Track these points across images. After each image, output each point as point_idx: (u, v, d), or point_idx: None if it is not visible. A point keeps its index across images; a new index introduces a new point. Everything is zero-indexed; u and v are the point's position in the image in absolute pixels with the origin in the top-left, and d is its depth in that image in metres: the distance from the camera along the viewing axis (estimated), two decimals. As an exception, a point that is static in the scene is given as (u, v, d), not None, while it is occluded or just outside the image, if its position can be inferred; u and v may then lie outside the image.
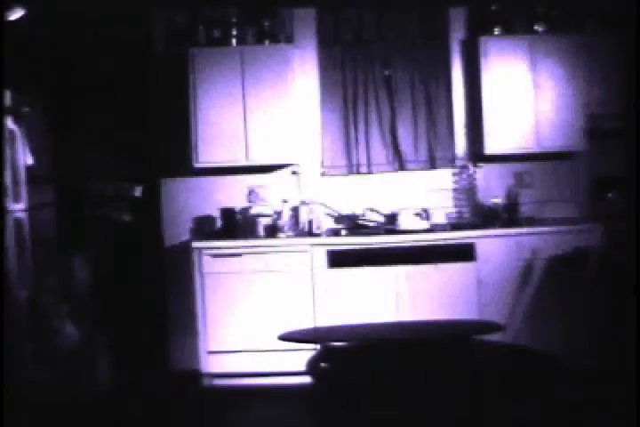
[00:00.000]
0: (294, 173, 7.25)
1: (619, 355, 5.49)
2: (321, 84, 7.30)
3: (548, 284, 6.67)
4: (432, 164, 7.33)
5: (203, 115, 6.86)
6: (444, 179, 7.33)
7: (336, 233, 6.96)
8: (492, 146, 7.03)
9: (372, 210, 7.11)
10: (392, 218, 7.00)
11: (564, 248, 6.65)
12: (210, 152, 6.85)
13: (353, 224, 7.00)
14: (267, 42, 7.01)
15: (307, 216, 6.99)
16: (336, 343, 6.07)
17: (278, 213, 6.97)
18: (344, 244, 6.67)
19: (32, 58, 6.56)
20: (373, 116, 7.27)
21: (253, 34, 7.01)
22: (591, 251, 6.44)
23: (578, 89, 7.02)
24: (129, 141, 7.13)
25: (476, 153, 7.23)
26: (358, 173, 7.31)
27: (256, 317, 6.53)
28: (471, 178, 7.25)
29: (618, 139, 7.01)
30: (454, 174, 7.30)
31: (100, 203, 5.89)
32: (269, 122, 6.88)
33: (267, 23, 7.04)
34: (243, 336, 6.53)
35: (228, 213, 6.94)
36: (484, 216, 7.12)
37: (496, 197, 7.16)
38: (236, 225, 6.93)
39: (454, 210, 7.25)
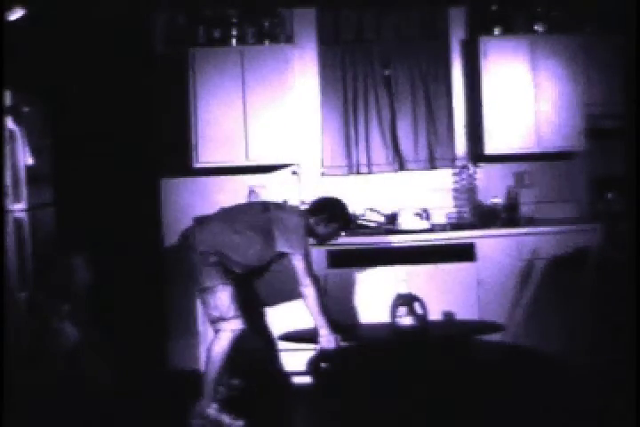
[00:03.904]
0: (294, 172, 7.25)
1: (619, 355, 5.49)
2: (321, 84, 7.30)
3: (547, 284, 6.68)
4: (432, 164, 7.33)
5: (202, 115, 6.86)
6: (444, 179, 7.34)
7: (336, 233, 6.95)
8: (492, 146, 7.04)
9: (372, 210, 7.11)
10: (392, 218, 7.02)
11: (564, 248, 6.66)
12: (210, 152, 6.85)
13: (353, 224, 6.99)
14: (267, 42, 7.01)
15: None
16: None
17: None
18: (344, 244, 6.66)
19: (32, 58, 6.56)
20: (373, 116, 7.28)
21: (253, 34, 7.01)
22: (591, 251, 6.45)
23: (578, 89, 7.03)
24: (129, 141, 7.12)
25: (476, 153, 7.24)
26: (358, 172, 7.32)
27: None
28: (471, 178, 7.25)
29: (618, 139, 7.00)
30: (454, 174, 7.31)
31: None
32: (269, 122, 6.88)
33: (267, 23, 7.04)
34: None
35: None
36: (484, 216, 7.12)
37: (496, 196, 7.17)
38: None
39: (454, 210, 7.26)
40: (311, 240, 5.66)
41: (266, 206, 5.63)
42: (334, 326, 5.44)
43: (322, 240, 5.77)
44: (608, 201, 7.12)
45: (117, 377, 5.85)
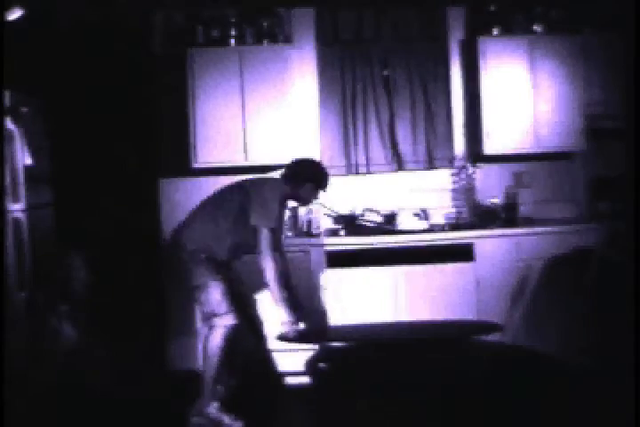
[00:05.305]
0: (293, 173, 7.24)
1: (618, 355, 5.50)
2: (319, 85, 7.30)
3: (546, 284, 6.68)
4: (431, 164, 7.33)
5: (201, 115, 6.86)
6: (442, 179, 7.34)
7: (335, 233, 6.96)
8: (490, 146, 7.04)
9: (370, 210, 7.11)
10: (391, 218, 7.01)
11: (563, 248, 6.66)
12: (208, 152, 6.85)
13: (352, 224, 7.00)
14: (265, 42, 7.00)
15: (305, 216, 6.99)
16: (334, 344, 6.07)
17: (277, 214, 6.96)
18: (343, 244, 6.68)
19: (31, 58, 6.56)
20: (372, 116, 7.28)
21: (252, 34, 7.00)
22: (591, 251, 6.45)
23: (577, 89, 7.04)
24: (127, 141, 7.12)
25: (475, 153, 7.24)
26: (357, 173, 7.32)
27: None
28: (470, 178, 7.25)
29: (617, 139, 7.02)
30: (453, 174, 7.31)
31: None
32: (268, 122, 6.88)
33: (265, 23, 7.03)
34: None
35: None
36: (482, 216, 7.13)
37: (495, 197, 7.18)
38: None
39: (453, 210, 7.25)
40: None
41: (241, 186, 5.66)
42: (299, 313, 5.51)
43: (303, 203, 5.82)
44: (608, 201, 7.12)
45: (116, 377, 5.85)
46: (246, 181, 5.75)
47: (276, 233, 5.52)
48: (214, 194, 5.75)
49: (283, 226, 5.86)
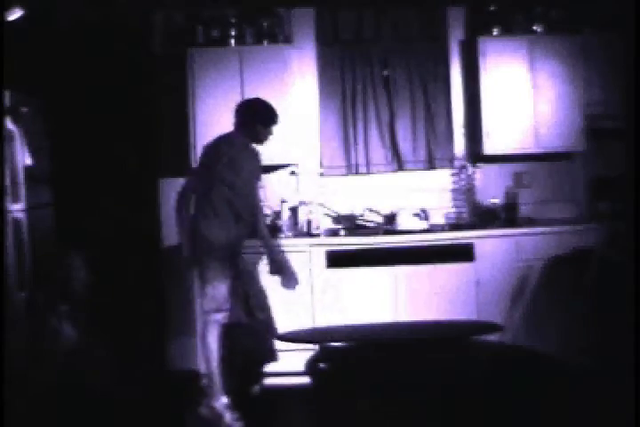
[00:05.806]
0: (293, 173, 7.25)
1: (618, 355, 5.50)
2: (320, 85, 7.29)
3: (546, 284, 6.68)
4: (431, 164, 7.33)
5: (201, 115, 6.85)
6: (442, 179, 7.34)
7: (335, 233, 6.96)
8: (490, 146, 7.04)
9: (370, 210, 7.11)
10: (391, 218, 7.01)
11: (563, 249, 6.66)
12: (208, 152, 6.83)
13: (352, 224, 7.00)
14: (265, 42, 7.00)
15: (305, 216, 6.99)
16: (334, 344, 6.07)
17: (277, 214, 6.98)
18: (343, 244, 6.67)
19: (31, 58, 6.56)
20: (372, 117, 7.27)
21: (252, 34, 7.00)
22: (591, 251, 6.45)
23: (577, 89, 7.03)
24: (127, 141, 7.12)
25: (475, 153, 7.24)
26: (357, 173, 7.31)
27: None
28: (470, 178, 7.25)
29: (617, 139, 7.02)
30: (453, 174, 7.31)
31: None
32: (268, 122, 6.86)
33: (265, 23, 7.02)
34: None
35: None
36: (482, 216, 7.13)
37: (495, 197, 7.17)
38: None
39: (453, 210, 7.25)
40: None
41: (205, 162, 5.72)
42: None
43: (261, 143, 5.80)
44: (608, 201, 7.12)
45: (116, 377, 5.85)
46: (209, 147, 5.74)
47: (247, 196, 5.58)
48: (200, 180, 5.74)
49: (256, 185, 5.78)
